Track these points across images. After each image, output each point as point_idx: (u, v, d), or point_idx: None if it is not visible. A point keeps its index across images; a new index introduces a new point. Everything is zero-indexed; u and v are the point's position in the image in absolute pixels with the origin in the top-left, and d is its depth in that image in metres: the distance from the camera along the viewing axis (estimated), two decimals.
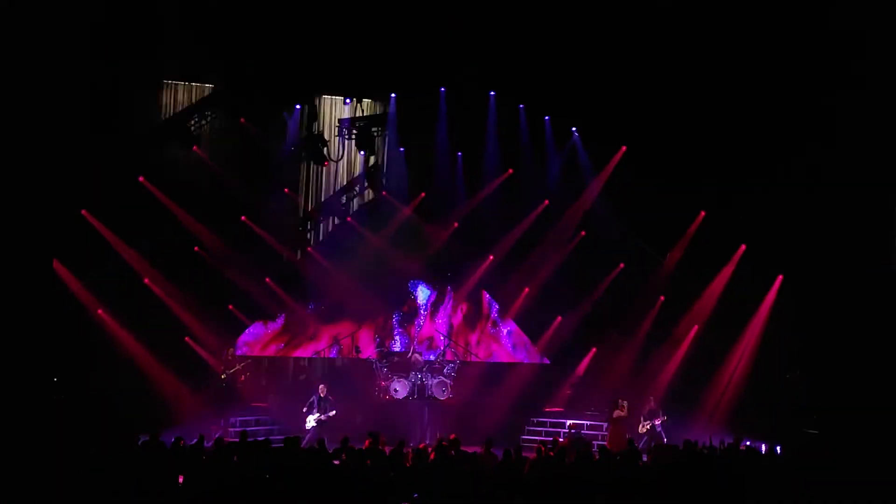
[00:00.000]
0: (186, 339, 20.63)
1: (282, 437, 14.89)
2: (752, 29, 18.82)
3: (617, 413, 18.49)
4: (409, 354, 21.45)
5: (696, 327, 21.01)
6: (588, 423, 20.11)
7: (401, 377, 20.58)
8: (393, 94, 22.01)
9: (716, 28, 18.96)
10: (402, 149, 22.67)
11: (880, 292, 18.53)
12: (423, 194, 23.19)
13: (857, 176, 18.47)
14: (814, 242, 19.04)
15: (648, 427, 18.33)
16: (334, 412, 17.81)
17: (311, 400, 18.06)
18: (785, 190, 19.34)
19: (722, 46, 19.11)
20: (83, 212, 19.71)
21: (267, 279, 22.22)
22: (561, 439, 17.13)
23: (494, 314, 23.23)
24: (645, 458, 13.60)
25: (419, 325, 22.49)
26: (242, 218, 21.70)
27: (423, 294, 23.09)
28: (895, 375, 17.97)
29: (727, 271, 21.01)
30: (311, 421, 17.75)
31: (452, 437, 14.13)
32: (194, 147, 20.91)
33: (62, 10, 17.76)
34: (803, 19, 18.40)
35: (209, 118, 21.64)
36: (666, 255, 21.79)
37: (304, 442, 16.04)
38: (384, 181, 23.41)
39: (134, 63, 19.30)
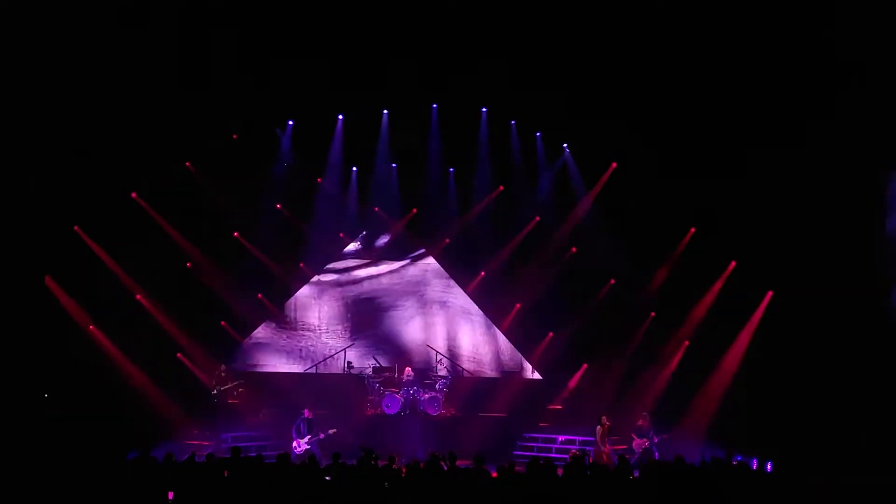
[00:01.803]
0: (178, 355, 20.63)
1: (274, 452, 14.85)
2: (739, 43, 18.97)
3: (600, 430, 18.45)
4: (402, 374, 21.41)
5: (686, 343, 21.10)
6: (580, 438, 20.09)
7: (392, 392, 20.58)
8: (385, 111, 22.11)
9: (703, 44, 19.09)
10: (393, 164, 22.77)
11: (869, 307, 18.67)
12: (414, 210, 23.32)
13: (842, 190, 18.70)
14: (804, 258, 19.18)
15: (646, 444, 18.38)
16: (334, 430, 17.67)
17: (297, 424, 17.88)
18: (775, 206, 19.47)
19: (710, 62, 19.24)
20: (76, 228, 19.73)
21: (259, 295, 22.30)
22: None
23: None
24: (637, 474, 13.63)
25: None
26: (235, 234, 21.77)
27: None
28: (885, 389, 18.11)
29: (717, 287, 21.12)
30: (301, 445, 17.57)
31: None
32: (187, 163, 20.94)
33: (51, 20, 17.87)
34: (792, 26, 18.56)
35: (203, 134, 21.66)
36: (656, 272, 21.88)
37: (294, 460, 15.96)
38: (376, 197, 23.46)
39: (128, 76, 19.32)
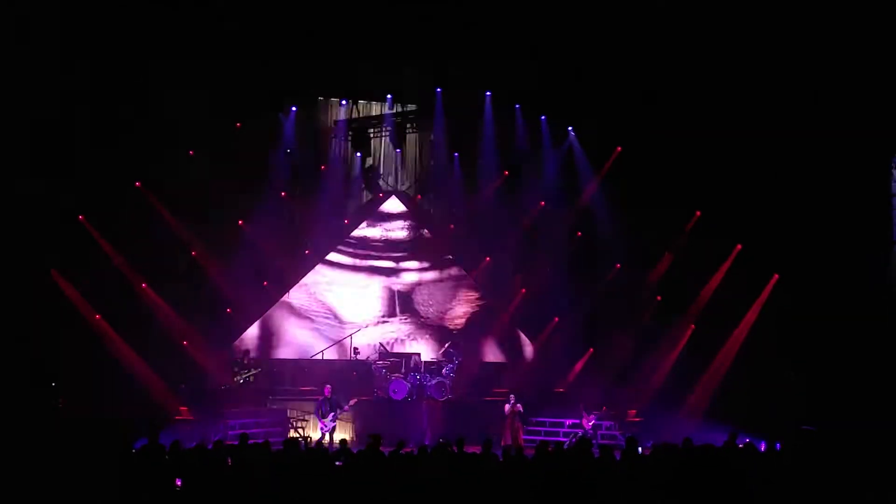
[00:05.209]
0: (185, 343, 20.62)
1: (281, 439, 14.87)
2: (745, 25, 18.88)
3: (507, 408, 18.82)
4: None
5: (692, 327, 21.10)
6: (592, 421, 20.06)
7: (399, 378, 20.58)
8: (389, 95, 22.04)
9: (710, 23, 19.00)
10: (398, 150, 22.73)
11: (875, 290, 18.64)
12: (419, 196, 23.29)
13: (853, 173, 18.63)
14: (810, 241, 19.14)
15: (592, 422, 18.89)
16: (355, 400, 17.74)
17: (318, 406, 17.92)
18: (781, 188, 19.42)
19: (717, 42, 19.15)
20: (80, 218, 19.70)
21: (265, 283, 22.28)
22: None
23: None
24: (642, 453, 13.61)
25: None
26: (240, 222, 21.73)
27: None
28: (891, 372, 18.09)
29: (723, 270, 21.09)
30: (327, 425, 17.67)
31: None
32: (190, 151, 20.88)
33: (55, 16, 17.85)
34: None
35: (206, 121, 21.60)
36: (662, 255, 21.85)
37: (329, 445, 16.08)
38: (381, 183, 23.47)
39: (131, 66, 19.27)
